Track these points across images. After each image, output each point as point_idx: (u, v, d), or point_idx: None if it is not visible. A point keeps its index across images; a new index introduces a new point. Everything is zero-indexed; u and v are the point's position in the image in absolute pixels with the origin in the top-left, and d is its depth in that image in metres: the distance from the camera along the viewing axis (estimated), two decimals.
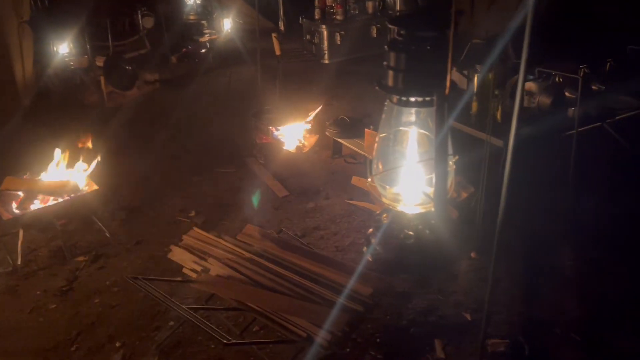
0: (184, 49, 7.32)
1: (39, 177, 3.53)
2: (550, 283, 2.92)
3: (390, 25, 2.46)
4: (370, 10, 7.21)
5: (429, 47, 2.37)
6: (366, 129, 3.76)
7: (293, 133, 4.57)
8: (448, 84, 2.31)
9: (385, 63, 2.51)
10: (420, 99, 2.48)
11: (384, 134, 2.79)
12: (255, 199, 3.98)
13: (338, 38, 6.90)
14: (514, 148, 1.86)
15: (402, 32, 2.43)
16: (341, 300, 2.28)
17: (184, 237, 2.81)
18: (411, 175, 2.83)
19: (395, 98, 2.58)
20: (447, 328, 2.64)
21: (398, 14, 7.31)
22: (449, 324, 2.67)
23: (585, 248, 3.15)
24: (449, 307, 2.78)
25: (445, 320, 2.69)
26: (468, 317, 2.69)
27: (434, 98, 2.35)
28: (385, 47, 2.49)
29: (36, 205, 3.36)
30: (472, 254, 3.13)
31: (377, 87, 2.59)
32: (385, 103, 2.69)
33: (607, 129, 3.94)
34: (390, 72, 2.50)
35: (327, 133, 4.37)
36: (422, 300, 2.82)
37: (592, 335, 2.56)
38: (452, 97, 2.38)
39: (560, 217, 3.42)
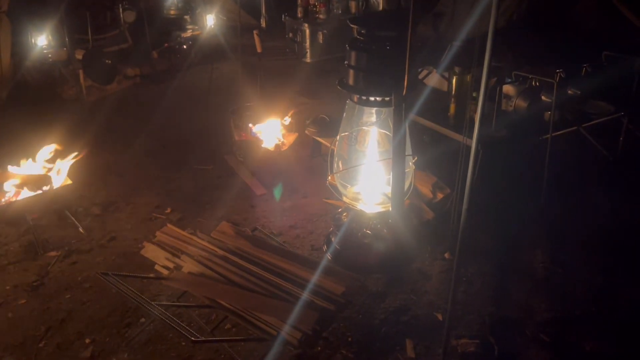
0: (166, 44, 7.26)
1: (10, 170, 3.48)
2: (521, 284, 2.94)
3: (350, 25, 2.48)
4: (353, 9, 7.21)
5: (388, 47, 2.40)
6: None
7: (272, 131, 4.56)
8: (406, 84, 2.33)
9: (346, 62, 2.54)
10: (379, 98, 2.51)
11: (345, 133, 2.82)
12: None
13: (320, 37, 6.89)
14: (476, 150, 1.89)
15: (362, 31, 2.46)
16: (311, 298, 2.28)
17: (158, 233, 2.79)
18: (371, 175, 2.85)
19: (355, 97, 2.61)
20: (418, 328, 2.65)
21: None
22: (420, 323, 2.68)
23: (556, 250, 3.19)
24: (422, 307, 2.79)
25: (417, 320, 2.70)
26: (439, 317, 2.71)
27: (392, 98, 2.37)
28: (346, 46, 2.53)
29: (7, 198, 3.31)
30: (447, 255, 3.15)
31: (338, 86, 2.62)
32: (347, 102, 2.72)
33: (583, 133, 4.00)
34: (351, 71, 2.53)
35: (306, 132, 4.36)
36: (394, 300, 2.83)
37: (560, 336, 2.59)
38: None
39: (532, 220, 3.46)
